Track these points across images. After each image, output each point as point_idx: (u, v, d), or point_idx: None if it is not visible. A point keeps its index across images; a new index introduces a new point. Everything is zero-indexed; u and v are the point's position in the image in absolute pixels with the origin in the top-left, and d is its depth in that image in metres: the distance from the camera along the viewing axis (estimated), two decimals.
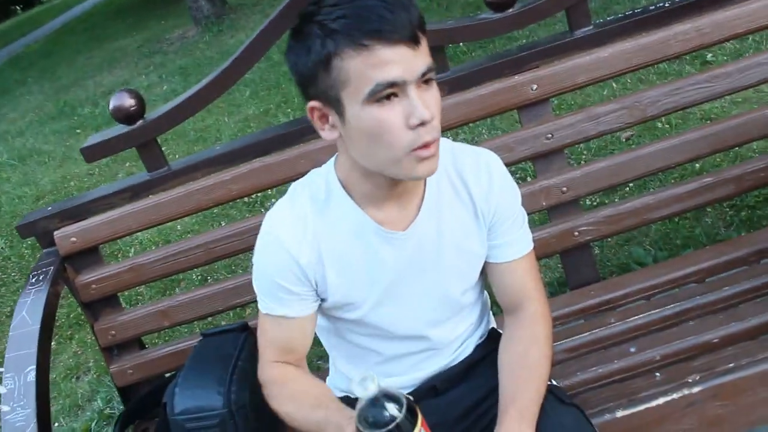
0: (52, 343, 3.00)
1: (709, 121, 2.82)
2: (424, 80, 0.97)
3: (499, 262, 1.19)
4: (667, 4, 1.63)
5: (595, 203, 2.57)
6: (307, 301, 1.13)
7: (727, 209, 2.34)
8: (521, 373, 1.14)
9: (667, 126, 2.85)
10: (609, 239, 2.35)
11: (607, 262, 2.31)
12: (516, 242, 1.19)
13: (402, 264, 1.13)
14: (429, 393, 1.24)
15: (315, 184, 1.13)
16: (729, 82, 1.59)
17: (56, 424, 2.56)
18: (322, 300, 1.15)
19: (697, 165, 2.52)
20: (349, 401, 1.29)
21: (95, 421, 2.48)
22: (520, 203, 1.20)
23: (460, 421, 1.21)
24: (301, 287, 1.12)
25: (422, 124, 0.96)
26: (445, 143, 1.16)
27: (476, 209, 1.15)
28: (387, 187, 1.07)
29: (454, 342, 1.24)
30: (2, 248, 4.13)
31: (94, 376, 2.75)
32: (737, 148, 2.30)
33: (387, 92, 0.95)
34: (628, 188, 2.57)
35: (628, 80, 3.31)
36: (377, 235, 1.11)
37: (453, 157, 1.15)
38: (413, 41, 0.95)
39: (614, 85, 3.31)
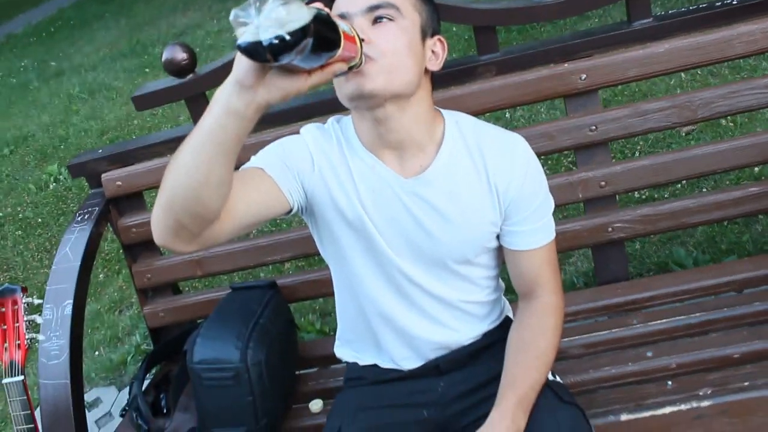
0: (101, 276, 3.17)
1: None
2: (375, 17, 1.05)
3: (516, 250, 1.19)
4: (734, 2, 1.56)
5: (644, 197, 2.51)
6: (288, 178, 1.13)
7: None
8: (526, 360, 1.15)
9: (731, 125, 2.74)
10: (652, 236, 2.30)
11: (646, 259, 2.27)
12: (536, 232, 1.18)
13: (398, 207, 1.15)
14: (432, 371, 1.26)
15: (343, 121, 1.21)
16: None
17: (96, 353, 2.70)
18: (306, 205, 1.17)
19: (756, 169, 2.42)
20: (356, 367, 1.33)
21: (132, 354, 2.60)
22: (545, 192, 1.20)
23: (456, 402, 1.23)
24: (296, 165, 1.14)
25: None
26: (469, 119, 1.21)
27: (490, 184, 1.15)
28: (376, 132, 1.11)
29: (456, 316, 1.24)
30: (65, 179, 4.30)
31: (135, 312, 2.87)
32: None
33: None
34: (680, 186, 2.50)
35: (699, 72, 3.18)
36: (381, 175, 1.14)
37: (476, 129, 1.18)
38: None
39: (683, 75, 3.18)
